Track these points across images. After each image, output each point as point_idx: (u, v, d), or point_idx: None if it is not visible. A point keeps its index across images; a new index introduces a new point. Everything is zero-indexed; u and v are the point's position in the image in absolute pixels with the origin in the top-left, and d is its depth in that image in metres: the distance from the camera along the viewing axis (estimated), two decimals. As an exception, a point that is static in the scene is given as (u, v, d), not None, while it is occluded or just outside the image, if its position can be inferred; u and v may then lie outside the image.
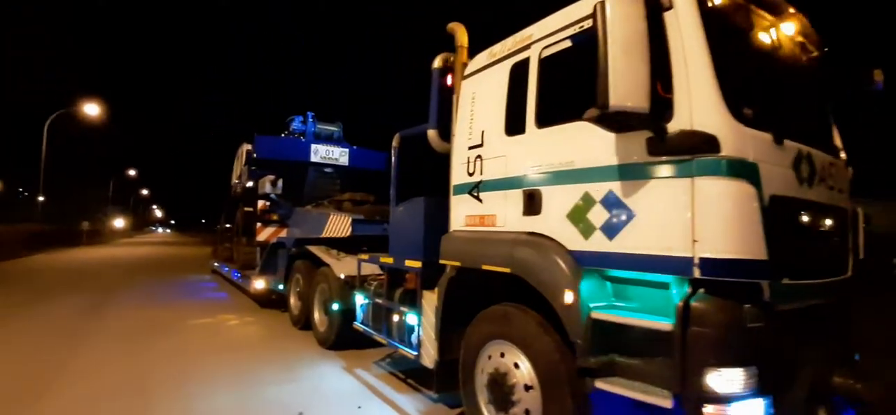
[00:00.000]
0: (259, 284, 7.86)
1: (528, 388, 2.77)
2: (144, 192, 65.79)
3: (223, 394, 4.17)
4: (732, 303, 2.15)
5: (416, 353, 3.78)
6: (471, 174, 3.40)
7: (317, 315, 6.06)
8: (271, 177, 8.54)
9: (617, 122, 2.24)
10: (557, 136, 2.81)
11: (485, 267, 3.07)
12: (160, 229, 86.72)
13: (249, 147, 10.61)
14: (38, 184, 25.31)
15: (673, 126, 2.23)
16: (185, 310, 8.05)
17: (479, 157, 3.33)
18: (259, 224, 8.41)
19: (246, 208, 9.26)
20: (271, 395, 4.18)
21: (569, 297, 2.51)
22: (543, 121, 2.91)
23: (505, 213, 3.07)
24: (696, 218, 2.13)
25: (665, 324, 2.20)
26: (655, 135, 2.24)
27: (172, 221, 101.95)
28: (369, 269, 5.04)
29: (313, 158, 8.98)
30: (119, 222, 50.56)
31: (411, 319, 3.89)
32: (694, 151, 2.17)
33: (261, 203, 8.57)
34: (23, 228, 25.43)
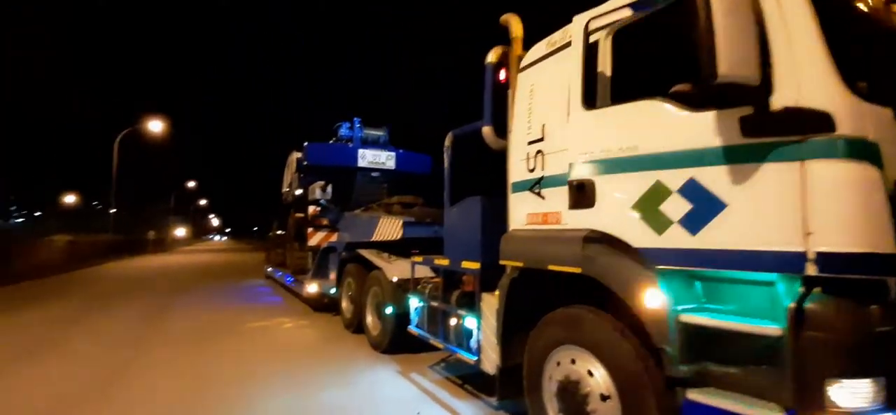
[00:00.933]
0: (312, 288, 7.99)
1: (604, 398, 2.55)
2: (202, 202, 69.71)
3: (281, 397, 4.19)
4: (856, 304, 1.86)
5: (475, 358, 3.63)
6: (531, 170, 3.21)
7: (370, 319, 6.05)
8: (321, 183, 8.69)
9: (716, 97, 2.00)
10: (622, 119, 2.59)
11: (551, 267, 2.87)
12: (217, 237, 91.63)
13: (299, 155, 10.90)
14: (110, 197, 27.35)
15: (775, 102, 1.96)
16: (242, 313, 8.31)
17: (539, 152, 3.15)
18: (310, 229, 8.56)
19: (297, 214, 9.49)
20: (328, 400, 4.15)
21: (652, 299, 2.28)
22: (608, 103, 2.70)
23: (589, 213, 2.86)
24: (809, 207, 1.86)
25: (773, 329, 1.93)
26: (755, 112, 1.97)
27: (228, 230, 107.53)
28: (423, 271, 4.96)
29: (361, 163, 9.07)
30: (181, 231, 53.84)
31: (470, 322, 3.75)
32: (802, 130, 1.90)
33: (311, 209, 8.73)
34: (97, 238, 27.58)
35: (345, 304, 7.06)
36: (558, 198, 2.96)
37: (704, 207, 2.17)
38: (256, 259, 21.91)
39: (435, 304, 4.29)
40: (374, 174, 9.17)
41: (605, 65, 2.79)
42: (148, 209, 47.39)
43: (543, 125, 3.13)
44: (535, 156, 3.18)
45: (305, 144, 8.98)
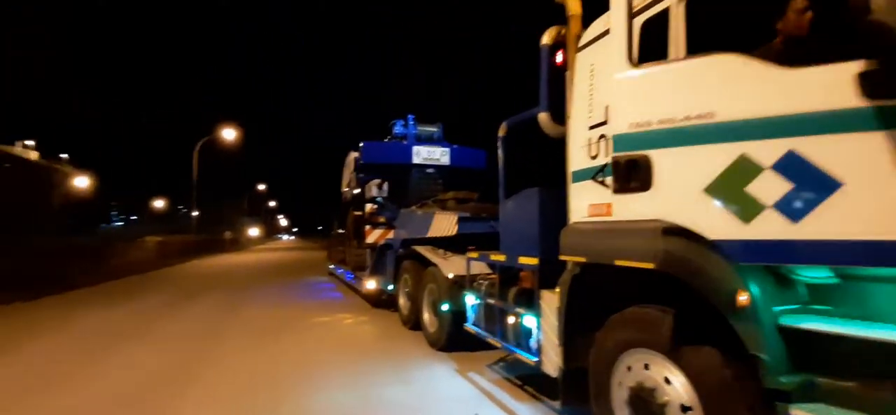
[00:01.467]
0: (370, 284, 8.11)
1: (686, 409, 2.26)
2: (272, 203, 74.22)
3: (342, 392, 4.23)
4: None
5: (535, 359, 3.42)
6: (594, 157, 2.95)
7: (426, 316, 5.99)
8: (377, 181, 8.79)
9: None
10: (692, 78, 2.27)
11: (619, 263, 2.61)
12: (285, 237, 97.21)
13: (356, 155, 11.10)
14: (191, 200, 29.81)
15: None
16: (306, 309, 8.62)
17: (602, 136, 2.88)
18: (367, 227, 8.69)
19: (355, 213, 9.69)
20: (387, 396, 4.12)
21: (745, 299, 1.96)
22: (672, 59, 2.40)
23: (643, 198, 2.58)
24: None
25: (908, 336, 1.57)
26: (884, 68, 1.62)
27: (295, 229, 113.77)
28: (479, 268, 4.80)
29: (415, 160, 9.07)
30: (254, 231, 57.62)
31: (529, 321, 3.54)
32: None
33: (368, 207, 8.86)
34: (182, 238, 30.18)
35: (402, 301, 7.08)
36: (625, 186, 2.68)
37: (810, 187, 1.83)
38: (320, 257, 22.88)
39: (492, 301, 4.12)
40: (428, 171, 9.14)
41: (676, 22, 2.48)
42: (225, 211, 51.18)
43: (607, 107, 2.86)
44: (598, 141, 2.91)
45: (361, 143, 9.14)
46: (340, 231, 12.65)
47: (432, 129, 9.59)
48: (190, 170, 27.33)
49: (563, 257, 3.10)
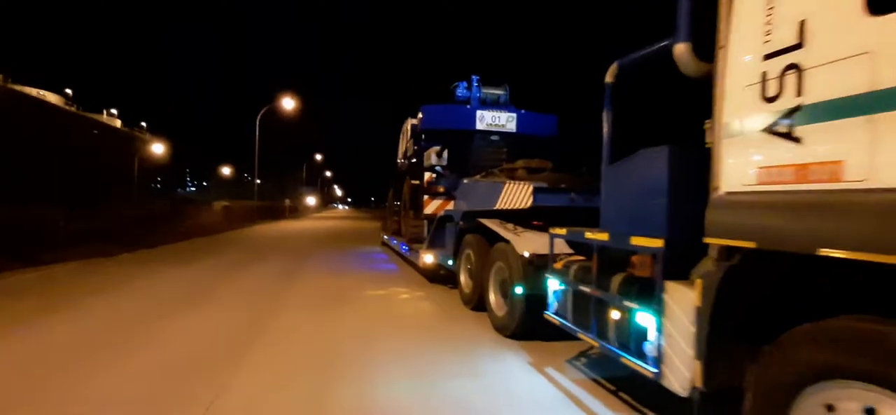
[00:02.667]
0: (428, 258, 7.53)
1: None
2: (328, 173, 76.34)
3: (402, 383, 3.65)
4: None
5: (654, 370, 2.61)
6: (770, 99, 2.04)
7: (492, 297, 5.29)
8: (437, 148, 8.10)
9: None
10: None
11: (827, 253, 1.73)
12: (340, 206, 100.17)
13: (414, 121, 10.47)
14: (255, 169, 30.81)
15: None
16: (362, 280, 8.22)
17: (793, 67, 1.95)
18: (426, 197, 8.08)
19: (412, 181, 9.11)
20: (454, 392, 3.49)
21: None
22: None
23: (874, 156, 1.66)
24: None
25: None
26: None
27: (349, 199, 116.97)
28: (560, 247, 4.01)
29: (479, 126, 8.27)
30: (311, 200, 59.59)
31: (643, 319, 2.72)
32: None
33: (427, 175, 8.23)
34: (246, 204, 31.47)
35: (463, 278, 6.42)
36: (843, 137, 1.76)
37: None
38: (373, 227, 22.90)
39: (586, 289, 3.32)
40: (493, 138, 8.31)
41: None
42: (285, 179, 53.14)
43: (803, 22, 1.92)
44: (782, 76, 1.99)
45: (422, 106, 8.45)
46: (396, 202, 12.18)
47: (498, 92, 8.70)
48: (255, 139, 28.12)
49: (710, 240, 2.24)
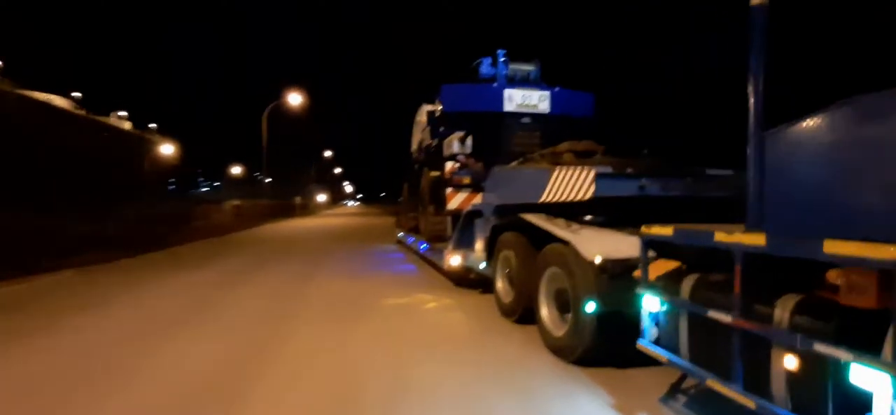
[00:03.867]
0: (454, 260, 6.47)
1: None
2: (338, 170, 75.60)
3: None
4: None
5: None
6: None
7: (545, 311, 4.22)
8: (459, 134, 7.03)
9: None
10: None
11: None
12: (350, 203, 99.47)
13: (430, 108, 9.39)
14: (264, 167, 30.00)
15: None
16: (380, 285, 7.20)
17: None
18: (449, 190, 7.01)
19: (432, 174, 8.05)
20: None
21: None
22: None
23: None
24: None
25: None
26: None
27: (359, 195, 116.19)
28: (628, 247, 2.96)
29: (507, 107, 7.17)
30: (322, 197, 58.86)
31: (862, 377, 1.64)
32: None
33: (449, 166, 7.16)
34: (257, 203, 30.72)
35: (501, 284, 5.36)
36: None
37: None
38: (386, 223, 21.93)
39: (721, 316, 2.23)
40: (524, 120, 7.21)
41: None
42: (295, 177, 52.38)
43: None
44: None
45: (442, 86, 7.37)
46: (412, 197, 11.12)
47: (528, 67, 7.56)
48: (262, 137, 27.23)
49: None
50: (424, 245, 8.55)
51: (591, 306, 3.42)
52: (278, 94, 27.23)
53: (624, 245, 3.43)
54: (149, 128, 50.71)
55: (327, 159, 56.96)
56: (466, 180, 6.85)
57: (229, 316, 5.44)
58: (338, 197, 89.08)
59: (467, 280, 6.86)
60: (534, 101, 7.17)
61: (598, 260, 3.41)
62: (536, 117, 7.19)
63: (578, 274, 3.60)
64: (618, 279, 3.32)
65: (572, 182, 4.21)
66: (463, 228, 6.54)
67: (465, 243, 6.58)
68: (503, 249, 5.29)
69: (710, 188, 4.28)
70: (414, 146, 11.16)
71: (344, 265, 9.49)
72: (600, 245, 3.51)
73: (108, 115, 44.35)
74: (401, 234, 12.53)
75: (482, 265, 5.86)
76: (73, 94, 39.62)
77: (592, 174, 3.97)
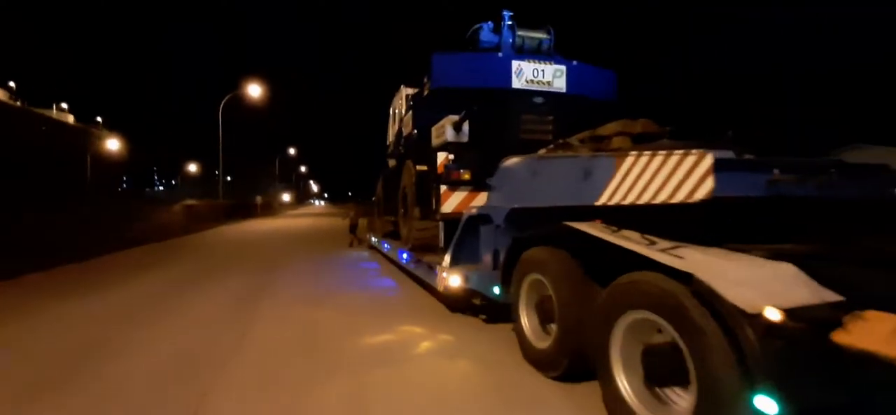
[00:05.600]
0: (453, 281, 4.76)
1: None
2: (303, 168, 71.95)
3: None
4: None
5: None
6: None
7: (626, 384, 2.58)
8: (454, 118, 5.35)
9: None
10: None
11: None
12: (316, 202, 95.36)
13: (411, 91, 7.67)
14: (227, 165, 27.10)
15: None
16: (351, 311, 5.40)
17: None
18: (443, 189, 5.32)
19: (417, 167, 6.32)
20: None
21: None
22: None
23: None
24: None
25: None
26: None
27: (325, 195, 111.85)
28: (803, 289, 1.40)
29: (516, 83, 5.55)
30: (286, 196, 55.48)
31: None
32: None
33: (441, 158, 5.47)
34: (210, 202, 27.79)
35: (526, 321, 3.73)
36: None
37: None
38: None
39: None
40: (536, 100, 5.61)
41: None
42: (257, 176, 48.94)
43: None
44: None
45: (433, 56, 5.64)
46: (389, 198, 9.31)
47: (539, 35, 5.92)
48: (218, 131, 24.42)
49: None
50: (406, 255, 6.80)
51: (765, 404, 1.80)
52: (241, 88, 24.49)
53: (787, 283, 1.88)
54: (95, 122, 45.78)
55: (292, 157, 53.64)
56: (466, 176, 5.19)
57: (128, 374, 3.50)
58: (303, 196, 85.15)
59: (465, 302, 5.18)
60: (547, 77, 5.58)
61: (771, 314, 1.81)
62: (549, 98, 5.61)
63: (715, 338, 1.99)
64: (804, 349, 1.75)
65: (664, 176, 2.62)
66: (462, 237, 4.85)
67: (465, 258, 4.90)
68: (530, 272, 3.65)
69: (851, 186, 2.82)
70: (390, 138, 9.38)
71: (305, 279, 7.58)
72: (755, 285, 1.92)
73: (50, 107, 39.39)
74: (374, 238, 10.70)
75: (495, 290, 4.20)
76: (10, 83, 34.88)
77: (709, 162, 2.39)
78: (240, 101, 25.21)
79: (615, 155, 2.99)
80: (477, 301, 4.71)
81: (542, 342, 3.49)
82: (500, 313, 4.49)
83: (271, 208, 41.55)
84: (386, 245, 8.73)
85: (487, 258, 4.54)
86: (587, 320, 2.90)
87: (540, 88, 5.59)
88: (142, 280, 7.56)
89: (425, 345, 4.23)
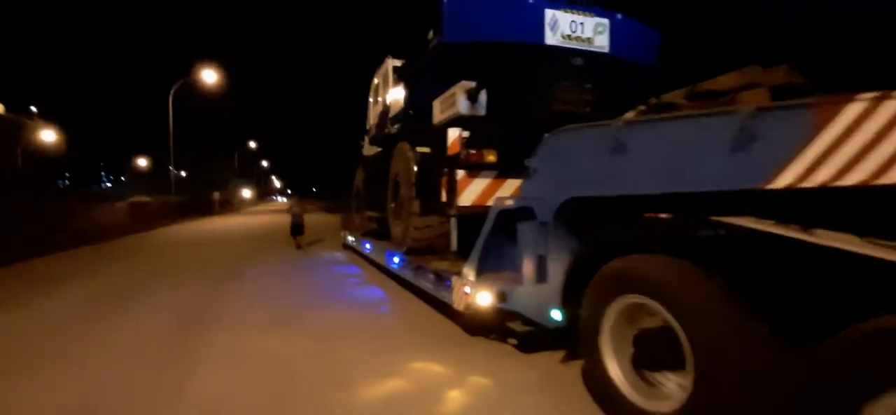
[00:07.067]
0: (482, 299, 3.41)
1: None
2: (264, 163, 68.03)
3: None
4: None
5: None
6: None
7: None
8: (468, 85, 4.01)
9: None
10: None
11: None
12: (279, 198, 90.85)
13: (397, 63, 6.26)
14: (180, 160, 24.35)
15: None
16: (334, 338, 3.94)
17: None
18: (460, 175, 3.97)
19: (418, 149, 4.91)
20: None
21: None
22: None
23: None
24: None
25: None
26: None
27: (289, 191, 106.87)
28: None
29: (550, 38, 4.26)
30: (247, 193, 51.97)
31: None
32: None
33: (454, 135, 4.10)
34: (162, 199, 24.99)
35: (614, 365, 2.45)
36: None
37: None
38: (323, 221, 18.16)
39: None
40: (574, 61, 4.33)
41: None
42: (215, 171, 45.34)
43: None
44: None
45: (443, 2, 4.23)
46: (371, 188, 7.81)
47: (576, -22, 4.65)
48: (175, 125, 21.77)
49: None
50: (398, 259, 5.39)
51: None
52: (195, 77, 21.87)
53: None
54: (28, 112, 40.80)
55: (252, 150, 50.21)
56: (490, 157, 3.87)
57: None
58: (265, 192, 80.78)
59: (487, 324, 3.85)
60: (587, 33, 4.34)
61: None
62: (589, 59, 4.36)
63: None
64: None
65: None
66: (492, 239, 3.52)
67: (496, 265, 3.58)
68: (623, 292, 2.38)
69: None
70: (372, 120, 7.88)
71: (269, 291, 6.01)
72: None
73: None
74: (350, 237, 9.16)
75: (553, 315, 2.91)
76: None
77: None
78: (195, 90, 22.65)
79: (816, 105, 1.76)
80: (518, 327, 3.39)
81: (651, 402, 2.23)
82: (540, 337, 3.24)
83: (230, 205, 38.48)
84: (367, 246, 7.26)
85: (529, 268, 3.24)
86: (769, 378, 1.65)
87: (578, 47, 4.34)
88: (66, 293, 5.73)
89: (455, 398, 2.88)
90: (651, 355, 2.29)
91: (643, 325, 2.37)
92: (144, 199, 24.92)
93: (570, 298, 2.78)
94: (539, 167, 3.21)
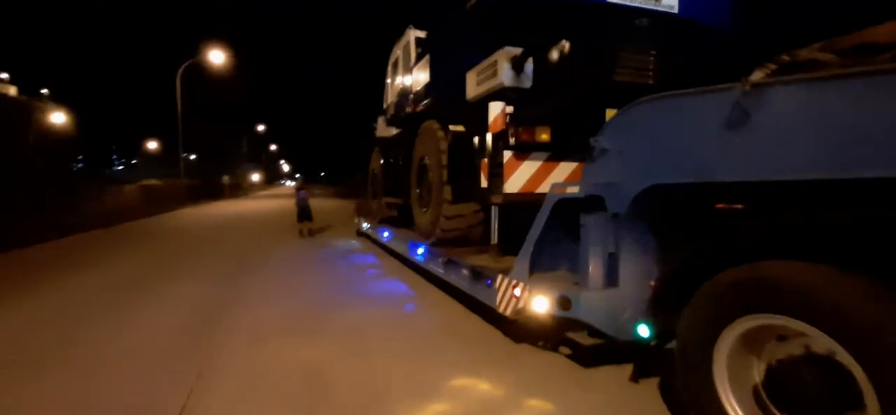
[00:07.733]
0: (538, 305, 2.83)
1: None
2: (273, 147, 67.66)
3: None
4: None
5: None
6: None
7: None
8: (512, 52, 3.40)
9: None
10: None
11: None
12: (288, 182, 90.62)
13: (420, 34, 5.63)
14: (190, 143, 23.94)
15: None
16: (363, 343, 3.42)
17: None
18: (507, 156, 3.37)
19: (451, 128, 4.31)
20: None
21: None
22: None
23: None
24: None
25: None
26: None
27: (298, 175, 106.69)
28: None
29: (612, -4, 3.60)
30: (256, 177, 51.74)
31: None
32: None
33: (497, 110, 3.48)
34: (172, 183, 24.73)
35: (734, 405, 1.88)
36: None
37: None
38: (332, 205, 17.77)
39: None
40: (639, 22, 3.66)
41: None
42: (225, 155, 45.06)
43: None
44: None
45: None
46: (389, 172, 7.22)
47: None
48: (185, 108, 21.26)
49: None
50: (423, 250, 4.83)
51: None
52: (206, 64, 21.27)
53: None
54: (40, 95, 40.58)
55: (261, 134, 49.75)
56: (544, 136, 3.26)
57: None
58: (274, 176, 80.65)
59: (537, 331, 3.29)
60: (654, -10, 3.66)
61: None
62: (655, 20, 3.69)
63: None
64: None
65: None
66: (546, 233, 2.93)
67: (550, 263, 3.01)
68: (750, 311, 1.79)
69: None
70: (390, 98, 7.26)
71: (287, 283, 5.51)
72: None
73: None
74: (365, 224, 8.62)
75: (639, 331, 2.34)
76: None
77: None
78: (204, 73, 22.08)
79: None
80: (584, 339, 2.83)
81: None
82: (595, 348, 2.68)
83: (240, 189, 38.24)
84: (385, 234, 6.71)
85: (596, 269, 2.66)
86: None
87: (643, 5, 3.67)
88: (76, 280, 5.27)
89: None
90: (795, 392, 1.71)
91: (783, 356, 1.79)
92: (155, 182, 24.66)
93: (665, 311, 2.21)
94: (610, 147, 2.60)
